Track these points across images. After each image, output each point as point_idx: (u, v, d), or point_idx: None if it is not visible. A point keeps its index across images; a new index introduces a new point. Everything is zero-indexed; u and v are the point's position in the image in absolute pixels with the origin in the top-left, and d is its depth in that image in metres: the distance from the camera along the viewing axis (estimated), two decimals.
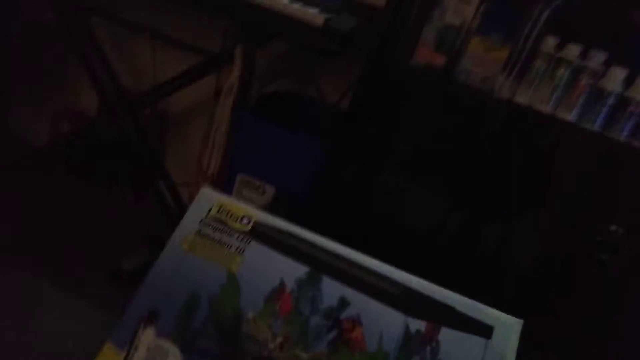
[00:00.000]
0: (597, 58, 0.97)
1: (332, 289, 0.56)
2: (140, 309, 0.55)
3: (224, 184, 0.90)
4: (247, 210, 0.61)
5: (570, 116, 0.90)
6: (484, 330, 0.55)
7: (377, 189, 0.83)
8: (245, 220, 0.60)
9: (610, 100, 0.94)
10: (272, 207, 0.70)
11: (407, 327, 0.54)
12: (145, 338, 0.53)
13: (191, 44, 1.16)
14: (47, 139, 1.23)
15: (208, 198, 0.62)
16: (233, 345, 0.53)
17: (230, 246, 0.58)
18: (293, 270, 0.57)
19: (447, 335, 0.54)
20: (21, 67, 1.28)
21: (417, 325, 0.55)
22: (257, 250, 0.58)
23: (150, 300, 0.55)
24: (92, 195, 1.14)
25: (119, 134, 1.16)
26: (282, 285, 0.57)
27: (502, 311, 0.55)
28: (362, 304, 0.55)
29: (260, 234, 0.59)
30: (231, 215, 0.60)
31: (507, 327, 0.55)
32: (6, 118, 1.26)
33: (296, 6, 0.83)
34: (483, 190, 0.79)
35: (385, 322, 0.54)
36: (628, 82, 0.95)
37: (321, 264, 0.58)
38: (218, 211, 0.61)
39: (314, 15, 0.85)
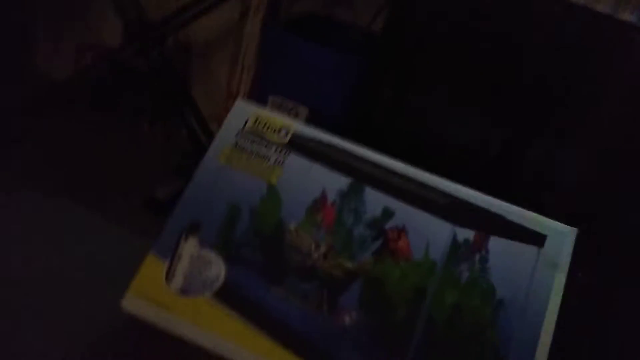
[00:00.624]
0: None
1: (375, 200, 0.54)
2: (182, 221, 0.54)
3: None
4: (285, 122, 0.59)
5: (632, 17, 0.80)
6: (536, 239, 0.52)
7: (416, 110, 0.79)
8: (283, 132, 0.58)
9: None
10: None
11: (454, 236, 0.52)
12: (188, 248, 0.53)
13: None
14: (71, 74, 1.21)
15: (243, 111, 0.59)
16: (276, 255, 0.53)
17: (269, 158, 0.57)
18: (334, 182, 0.55)
19: (496, 244, 0.52)
20: (43, 1, 1.25)
21: (466, 234, 0.53)
22: (296, 162, 0.56)
23: (190, 212, 0.54)
24: (119, 129, 1.13)
25: (143, 64, 1.13)
26: (323, 196, 0.55)
27: None
28: (407, 214, 0.53)
29: (299, 145, 0.57)
30: (268, 128, 0.58)
31: (561, 235, 0.52)
32: (30, 54, 1.24)
33: None
34: (528, 107, 0.74)
35: (432, 232, 0.53)
36: None
37: (363, 175, 0.55)
38: (254, 124, 0.58)
39: None
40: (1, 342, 0.62)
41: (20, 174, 0.86)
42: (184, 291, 0.51)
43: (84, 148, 1.01)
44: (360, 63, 0.81)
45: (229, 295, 0.51)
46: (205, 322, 0.50)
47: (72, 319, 0.65)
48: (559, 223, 0.53)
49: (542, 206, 0.54)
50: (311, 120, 0.65)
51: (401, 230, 0.53)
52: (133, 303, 0.51)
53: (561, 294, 0.50)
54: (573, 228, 0.53)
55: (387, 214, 0.54)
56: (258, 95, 0.77)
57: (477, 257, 0.52)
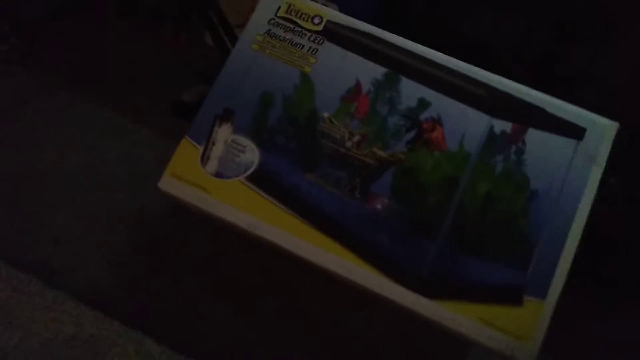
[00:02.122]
0: None
1: (411, 90, 0.53)
2: (215, 107, 0.54)
3: None
4: (319, 9, 0.57)
5: None
6: (575, 132, 0.51)
7: (454, 7, 0.74)
8: (317, 20, 0.56)
9: None
10: None
11: (491, 128, 0.52)
12: (221, 134, 0.53)
13: None
14: None
15: None
16: (309, 142, 0.53)
17: (302, 46, 0.55)
18: (369, 71, 0.54)
19: (534, 137, 0.51)
20: None
21: (503, 126, 0.52)
22: (330, 51, 0.55)
23: (223, 98, 0.54)
24: (143, 35, 1.11)
25: None
26: (358, 85, 0.54)
27: None
28: (443, 105, 0.53)
29: (333, 33, 0.55)
30: (301, 15, 0.56)
31: (601, 129, 0.51)
32: None
33: None
34: (569, 5, 0.70)
35: (468, 123, 0.52)
36: None
37: (399, 65, 0.54)
38: (287, 10, 0.57)
39: None
40: (41, 227, 0.65)
41: (54, 78, 0.87)
42: (219, 174, 0.52)
43: (111, 53, 1.00)
44: None
45: (262, 179, 0.52)
46: (240, 203, 0.51)
47: (107, 207, 0.68)
48: (600, 116, 0.51)
49: (585, 104, 0.52)
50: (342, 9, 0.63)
51: (436, 121, 0.52)
52: (169, 184, 0.53)
53: (596, 187, 0.50)
54: (614, 122, 0.51)
55: (423, 104, 0.53)
56: None
57: (513, 149, 0.51)
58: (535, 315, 0.47)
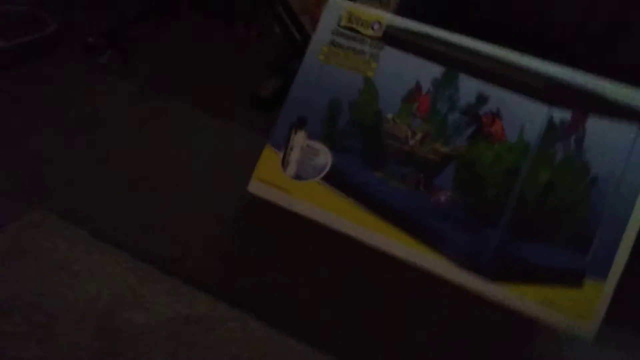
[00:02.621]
0: None
1: (469, 86, 0.56)
2: (290, 116, 0.61)
3: None
4: (377, 15, 0.60)
5: None
6: (637, 116, 0.52)
7: None
8: (376, 26, 0.60)
9: None
10: None
11: (550, 118, 0.54)
12: (298, 140, 0.60)
13: None
14: None
15: (336, 7, 0.62)
16: (376, 143, 0.58)
17: (364, 53, 0.60)
18: (428, 71, 0.58)
19: (594, 124, 0.53)
20: None
21: (562, 115, 0.54)
22: (390, 55, 0.59)
23: (297, 108, 0.61)
24: (216, 32, 1.21)
25: None
26: (418, 86, 0.58)
27: None
28: (502, 99, 0.55)
29: (392, 38, 0.59)
30: (361, 23, 0.61)
31: None
32: None
33: None
34: None
35: (527, 115, 0.54)
36: None
37: (457, 62, 0.57)
38: (348, 20, 0.61)
39: None
40: (153, 222, 0.77)
41: (147, 84, 0.99)
42: (298, 176, 0.60)
43: (193, 54, 1.10)
44: None
45: (336, 179, 0.59)
46: (318, 201, 0.58)
47: (204, 201, 0.78)
48: None
49: None
50: (402, 8, 0.66)
51: (495, 115, 0.55)
52: (256, 187, 0.61)
53: None
54: None
55: (481, 99, 0.56)
56: None
57: (573, 137, 0.53)
58: (595, 297, 0.50)
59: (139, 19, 1.23)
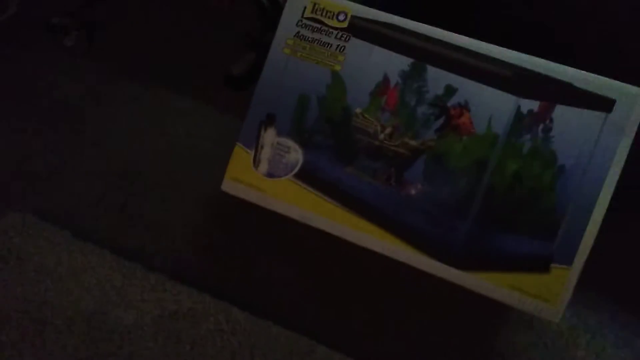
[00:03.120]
0: None
1: (437, 78, 0.55)
2: (258, 114, 0.60)
3: None
4: (342, 5, 0.58)
5: None
6: (604, 104, 0.52)
7: None
8: (341, 16, 0.58)
9: None
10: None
11: (518, 108, 0.53)
12: (267, 138, 0.60)
13: None
14: None
15: None
16: (345, 137, 0.58)
17: (331, 45, 0.58)
18: (396, 64, 0.56)
19: (562, 113, 0.52)
20: None
21: (530, 105, 0.53)
22: (357, 47, 0.57)
23: (265, 105, 0.60)
24: (189, 3, 1.16)
25: None
26: (386, 79, 0.57)
27: None
28: (470, 90, 0.54)
29: (358, 29, 0.57)
30: (326, 13, 0.58)
31: (631, 98, 0.51)
32: None
33: None
34: None
35: (495, 106, 0.54)
36: None
37: (425, 54, 0.56)
38: (312, 10, 0.59)
39: None
40: (132, 216, 0.77)
41: (116, 68, 0.95)
42: (270, 174, 0.59)
43: (161, 30, 1.06)
44: None
45: (308, 176, 0.58)
46: (291, 198, 0.59)
47: (183, 189, 0.78)
48: (630, 85, 0.51)
49: (613, 72, 0.52)
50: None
51: (464, 107, 0.55)
52: (230, 186, 0.61)
53: (624, 158, 0.51)
54: None
55: (450, 91, 0.55)
56: None
57: (541, 127, 0.53)
58: (561, 281, 0.52)
59: None
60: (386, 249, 0.56)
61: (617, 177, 0.51)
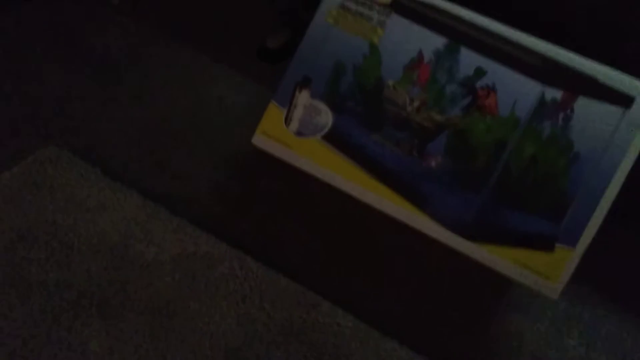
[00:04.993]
0: None
1: (469, 60, 0.57)
2: (295, 75, 0.62)
3: None
4: None
5: None
6: (624, 100, 0.53)
7: None
8: None
9: None
10: None
11: (542, 96, 0.55)
12: (301, 99, 0.61)
13: None
14: None
15: None
16: (375, 106, 0.60)
17: (372, 19, 0.60)
18: (431, 42, 0.58)
19: (583, 104, 0.54)
20: None
21: (554, 94, 0.55)
22: (397, 23, 0.59)
23: (302, 67, 0.62)
24: None
25: None
26: (420, 55, 0.59)
27: None
28: (499, 74, 0.56)
29: (400, 6, 0.59)
30: None
31: None
32: None
33: None
34: None
35: (521, 91, 0.55)
36: None
37: (460, 35, 0.57)
38: None
39: None
40: (162, 164, 0.79)
41: (159, 28, 0.98)
42: (300, 133, 0.61)
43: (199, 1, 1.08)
44: None
45: (335, 139, 0.60)
46: (317, 158, 0.60)
47: (211, 147, 0.80)
48: None
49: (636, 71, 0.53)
50: None
51: (491, 89, 0.56)
52: (260, 140, 0.63)
53: (637, 152, 0.53)
54: None
55: (479, 73, 0.57)
56: None
57: (562, 115, 0.55)
58: (563, 261, 0.54)
59: None
60: (401, 214, 0.58)
61: (628, 170, 0.53)
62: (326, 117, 0.61)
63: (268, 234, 0.72)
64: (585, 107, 0.54)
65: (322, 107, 0.61)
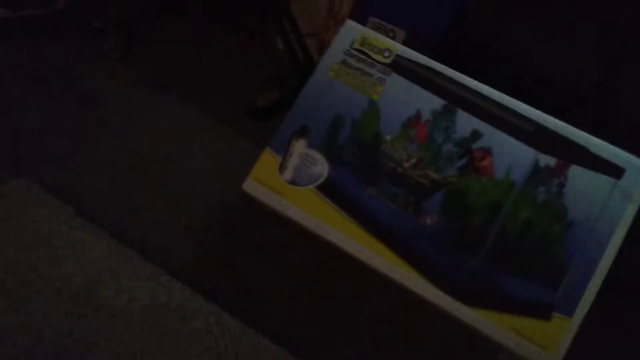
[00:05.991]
0: None
1: (465, 122, 0.58)
2: (293, 124, 0.61)
3: None
4: (389, 43, 0.62)
5: None
6: (614, 171, 0.55)
7: (512, 39, 0.77)
8: (386, 53, 0.61)
9: None
10: None
11: (536, 162, 0.56)
12: (297, 147, 0.60)
13: None
14: None
15: (352, 30, 0.63)
16: (372, 161, 0.59)
17: (372, 76, 0.61)
18: (430, 102, 0.59)
19: (575, 172, 0.55)
20: None
21: (547, 160, 0.56)
22: (396, 82, 0.60)
23: (301, 117, 0.61)
24: (223, 39, 1.21)
25: None
26: (418, 114, 0.59)
27: None
28: (494, 137, 0.57)
29: (400, 66, 0.61)
30: (373, 48, 0.62)
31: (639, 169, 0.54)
32: None
33: None
34: (624, 42, 0.71)
35: (516, 155, 0.56)
36: None
37: (457, 98, 0.59)
38: (361, 43, 0.62)
39: None
40: (137, 210, 0.75)
41: (149, 75, 0.97)
42: (293, 182, 0.59)
43: (196, 54, 1.10)
44: None
45: (330, 190, 0.59)
46: (309, 208, 0.58)
47: (192, 196, 0.77)
48: (639, 158, 0.54)
49: (626, 143, 0.55)
50: (407, 44, 0.68)
51: (487, 151, 0.57)
52: (252, 186, 0.60)
53: (630, 222, 0.53)
54: None
55: (476, 135, 0.57)
56: (358, 16, 0.80)
57: (555, 182, 0.55)
58: (561, 331, 0.51)
59: (150, 14, 1.22)
60: (394, 271, 0.55)
61: (621, 238, 0.53)
62: (322, 167, 0.59)
63: (248, 289, 0.68)
64: (578, 175, 0.55)
65: (318, 157, 0.60)
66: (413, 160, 0.58)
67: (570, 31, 0.73)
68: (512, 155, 0.56)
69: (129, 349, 0.55)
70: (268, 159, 0.61)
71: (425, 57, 0.61)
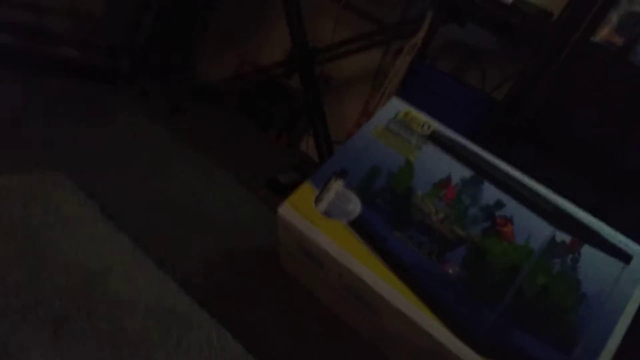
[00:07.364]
0: None
1: (491, 192, 0.64)
2: (335, 166, 0.67)
3: None
4: (428, 120, 0.71)
5: None
6: (623, 256, 0.59)
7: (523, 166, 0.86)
8: (425, 127, 0.70)
9: None
10: None
11: (553, 236, 0.60)
12: (335, 186, 0.65)
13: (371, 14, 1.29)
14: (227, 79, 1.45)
15: (397, 105, 0.73)
16: (403, 208, 0.63)
17: (411, 142, 0.69)
18: (459, 171, 0.66)
19: (588, 252, 0.59)
20: (220, 20, 1.53)
21: (564, 237, 0.60)
22: (432, 150, 0.68)
23: (342, 161, 0.67)
24: (253, 130, 1.36)
25: (291, 82, 1.33)
26: (448, 178, 0.66)
27: None
28: (516, 210, 0.62)
29: (437, 139, 0.69)
30: (415, 121, 0.71)
31: None
32: (195, 66, 1.51)
33: None
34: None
35: (535, 228, 0.61)
36: None
37: (484, 172, 0.66)
38: (405, 116, 0.71)
39: None
40: (155, 219, 0.75)
41: (183, 140, 1.07)
42: (327, 214, 0.63)
43: (223, 132, 1.22)
44: (487, 102, 0.94)
45: (360, 226, 0.62)
46: (339, 239, 0.61)
47: (210, 229, 0.78)
48: None
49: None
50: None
51: (509, 220, 0.62)
52: (287, 211, 0.63)
53: (638, 303, 0.56)
54: None
55: (499, 205, 0.63)
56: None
57: (570, 257, 0.59)
58: None
59: (195, 95, 1.37)
60: (413, 311, 0.56)
61: (631, 316, 0.55)
62: (355, 206, 0.63)
63: (251, 326, 0.65)
64: (590, 254, 0.59)
65: (353, 197, 0.64)
66: (440, 215, 0.63)
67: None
68: (531, 227, 0.61)
69: (128, 333, 0.52)
70: (306, 190, 0.65)
71: (458, 135, 0.70)
